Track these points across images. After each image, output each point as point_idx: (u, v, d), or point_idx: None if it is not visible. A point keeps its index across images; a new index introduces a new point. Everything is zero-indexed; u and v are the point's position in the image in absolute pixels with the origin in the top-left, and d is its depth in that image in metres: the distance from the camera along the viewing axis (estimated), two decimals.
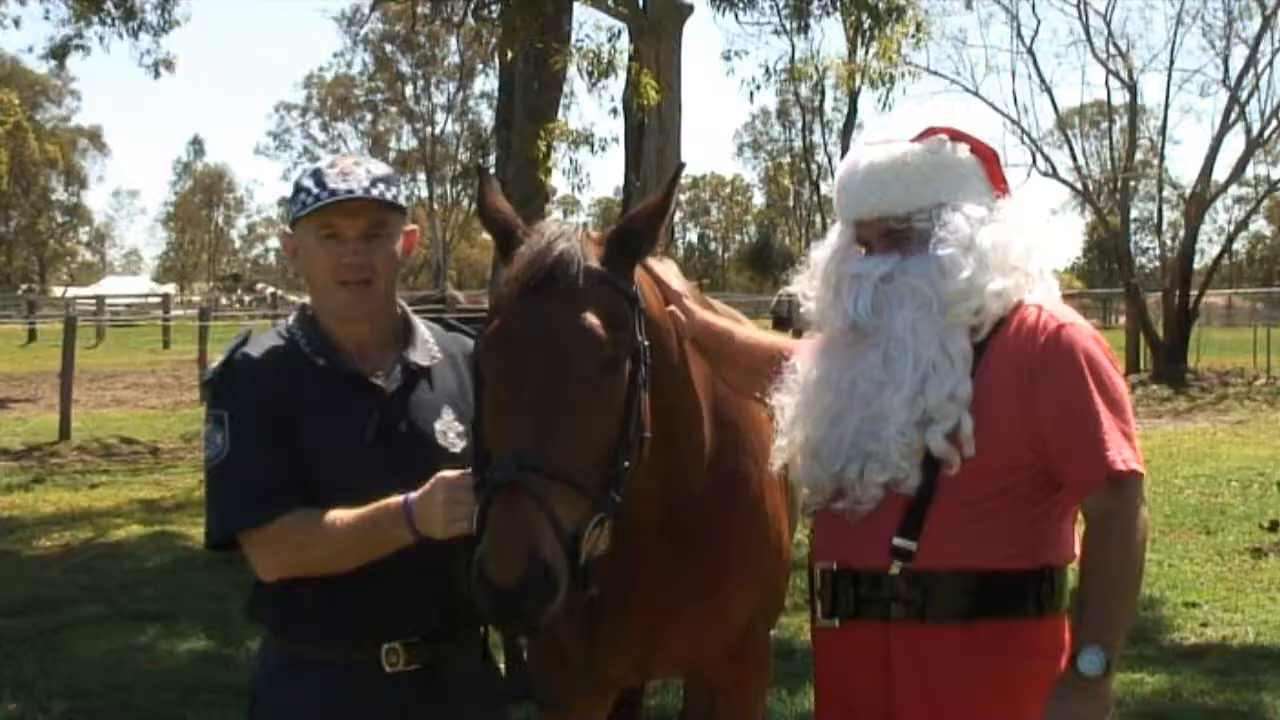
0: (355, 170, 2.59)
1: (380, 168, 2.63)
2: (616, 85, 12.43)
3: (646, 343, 2.44)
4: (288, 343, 2.63)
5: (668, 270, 2.91)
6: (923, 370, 2.48)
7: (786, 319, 24.27)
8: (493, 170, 13.14)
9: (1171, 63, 34.88)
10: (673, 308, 2.72)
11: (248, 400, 2.54)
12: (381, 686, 2.52)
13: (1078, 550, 2.59)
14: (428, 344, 2.71)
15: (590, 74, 11.72)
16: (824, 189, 67.50)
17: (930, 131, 2.65)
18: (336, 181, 2.56)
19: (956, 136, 2.65)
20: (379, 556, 2.45)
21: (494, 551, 2.15)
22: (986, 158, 2.68)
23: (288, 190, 2.83)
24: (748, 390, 2.88)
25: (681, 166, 2.53)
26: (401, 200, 2.64)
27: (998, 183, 2.68)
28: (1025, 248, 2.60)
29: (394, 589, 2.48)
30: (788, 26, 13.93)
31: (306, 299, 2.74)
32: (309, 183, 2.59)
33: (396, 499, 2.43)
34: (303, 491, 2.50)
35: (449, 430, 2.62)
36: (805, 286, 2.73)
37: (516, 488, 2.17)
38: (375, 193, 2.56)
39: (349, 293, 2.56)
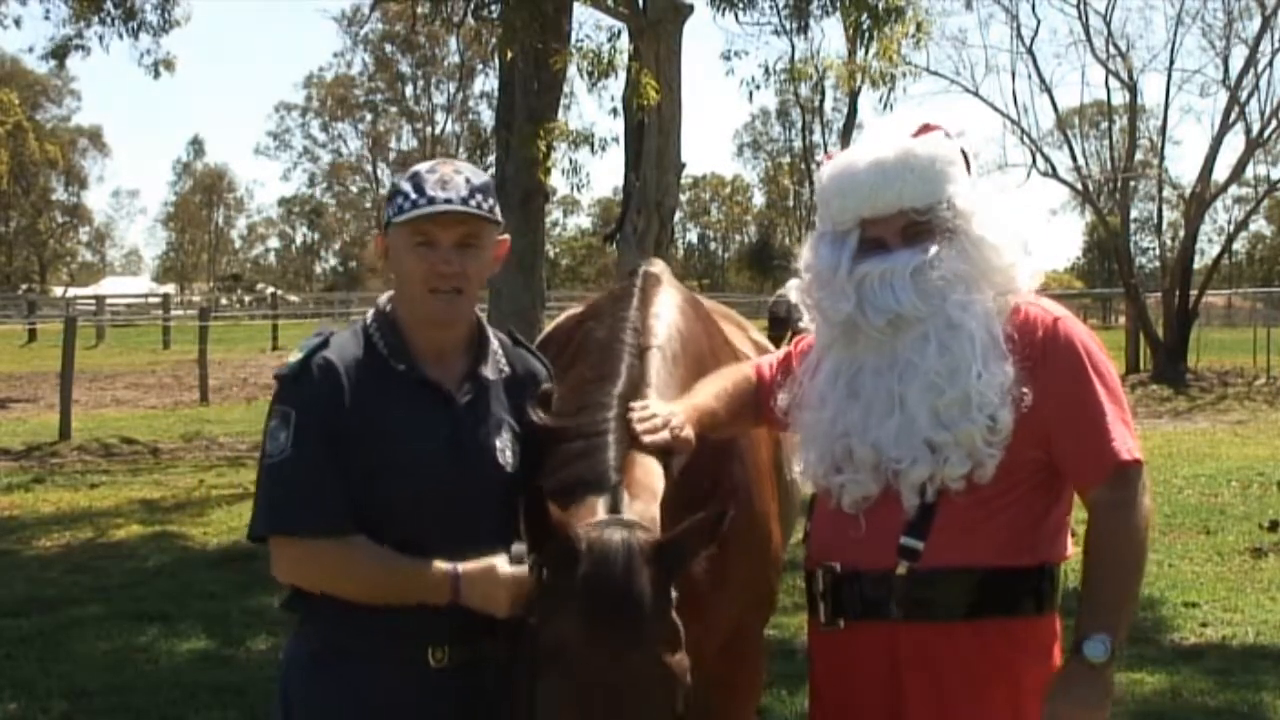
0: (454, 179, 2.55)
1: (478, 176, 2.60)
2: (616, 85, 12.42)
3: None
4: (366, 345, 2.61)
5: (670, 283, 2.92)
6: (980, 350, 2.47)
7: (785, 319, 24.34)
8: (492, 170, 13.13)
9: (1171, 63, 34.93)
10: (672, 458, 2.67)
11: (317, 405, 2.51)
12: (425, 682, 2.53)
13: (1070, 549, 2.61)
14: (497, 357, 2.70)
15: (590, 74, 11.70)
16: None
17: (927, 127, 2.68)
18: (435, 189, 2.53)
19: (949, 134, 2.68)
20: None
21: None
22: (965, 157, 2.70)
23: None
24: (741, 432, 2.91)
25: (724, 513, 2.42)
26: (498, 212, 2.61)
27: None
28: (1020, 238, 2.63)
29: None
30: (788, 26, 13.93)
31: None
32: (407, 187, 2.56)
33: (444, 567, 2.45)
34: (354, 508, 2.50)
35: (506, 449, 2.62)
36: (806, 299, 2.71)
37: None
38: (473, 204, 2.53)
39: (439, 300, 2.55)
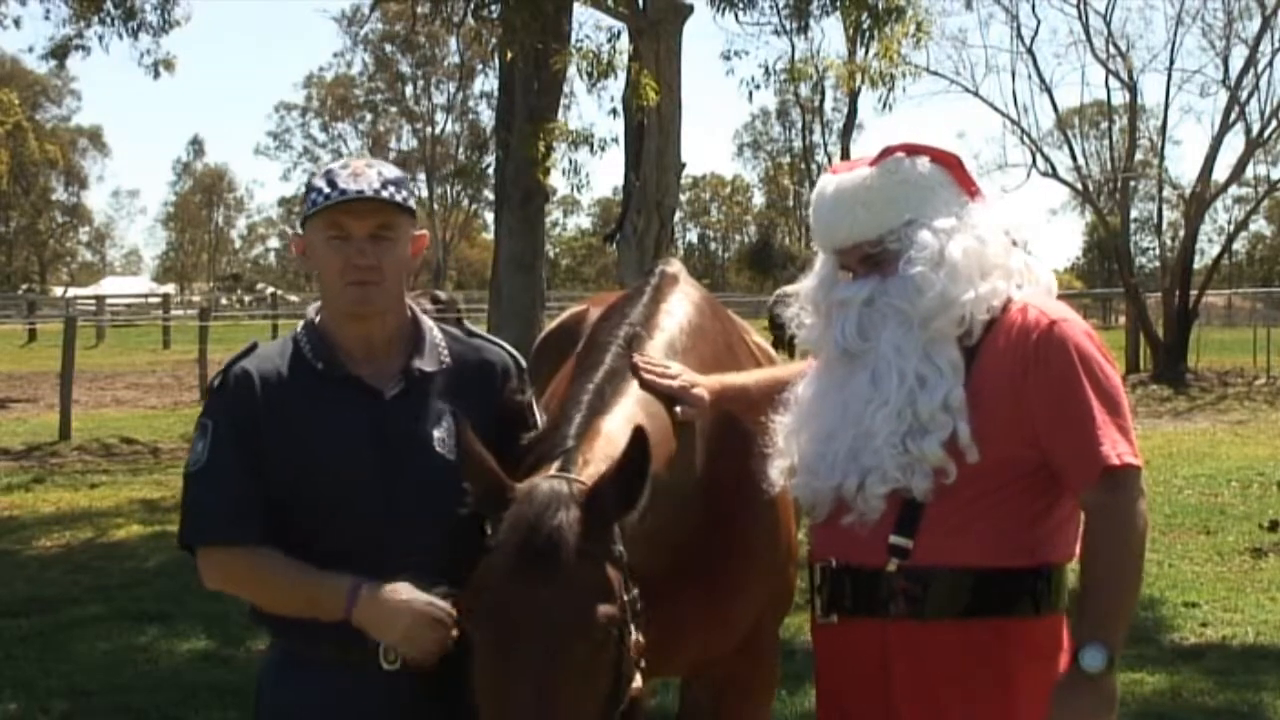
0: (366, 171, 2.59)
1: (391, 170, 2.64)
2: (616, 85, 12.42)
3: (629, 595, 2.41)
4: (290, 349, 2.65)
5: (687, 282, 2.97)
6: (909, 385, 2.51)
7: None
8: (492, 170, 13.14)
9: (1171, 63, 34.79)
10: (679, 410, 2.73)
11: (233, 414, 2.57)
12: (379, 684, 2.54)
13: (1077, 549, 2.60)
14: (438, 349, 2.70)
15: (590, 74, 11.70)
16: None
17: (887, 151, 2.68)
18: (347, 182, 2.56)
19: (913, 151, 2.68)
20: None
21: None
22: (950, 165, 2.70)
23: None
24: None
25: (641, 430, 2.40)
26: (412, 203, 2.65)
27: (967, 186, 2.70)
28: (1002, 246, 2.62)
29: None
30: (788, 26, 13.89)
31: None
32: (320, 183, 2.60)
33: (346, 582, 2.48)
34: (280, 505, 2.53)
35: (448, 438, 2.61)
36: (800, 316, 2.77)
37: None
38: (385, 194, 2.56)
39: (356, 291, 2.57)
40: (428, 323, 2.75)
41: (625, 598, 2.37)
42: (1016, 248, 2.65)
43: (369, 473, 2.54)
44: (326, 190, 2.56)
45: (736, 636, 3.01)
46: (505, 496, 2.36)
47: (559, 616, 2.26)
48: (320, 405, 2.58)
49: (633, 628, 2.39)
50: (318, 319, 2.68)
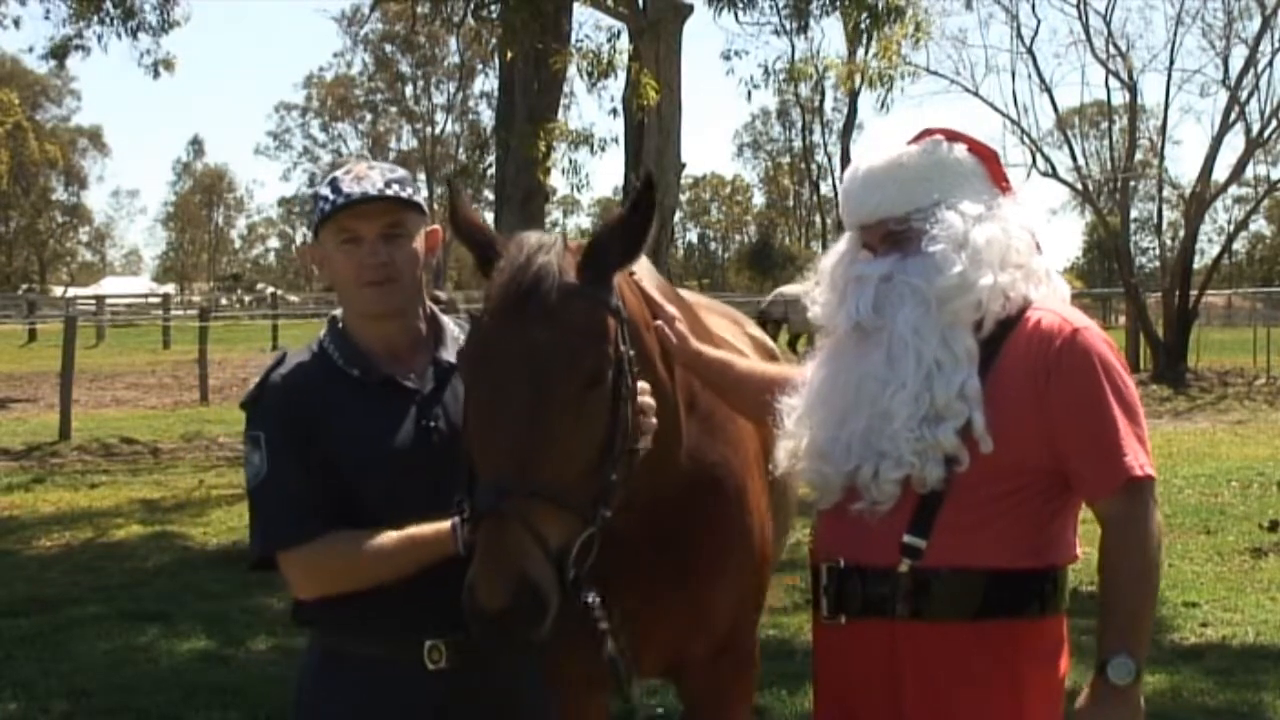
0: (369, 174, 2.61)
1: (395, 171, 2.66)
2: (616, 85, 12.45)
3: (631, 352, 2.42)
4: (320, 357, 2.66)
5: (647, 275, 2.93)
6: (926, 367, 2.48)
7: (780, 320, 24.31)
8: (492, 171, 13.15)
9: (1171, 63, 34.85)
10: (660, 323, 2.74)
11: (281, 421, 2.57)
12: (422, 684, 2.55)
13: (1078, 551, 2.60)
14: (458, 342, 2.72)
15: (590, 74, 11.73)
16: (824, 189, 67.68)
17: (927, 133, 2.67)
18: (351, 186, 2.58)
19: (953, 137, 2.67)
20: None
21: (482, 576, 2.18)
22: (986, 157, 2.69)
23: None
24: (752, 415, 2.92)
25: (650, 176, 2.49)
26: (418, 198, 2.67)
27: (999, 181, 2.69)
28: (1026, 245, 2.60)
29: (436, 586, 2.48)
30: (787, 26, 13.90)
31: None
32: (325, 190, 2.62)
33: (444, 525, 2.47)
34: (338, 509, 2.54)
35: None
36: (813, 293, 2.75)
37: (500, 514, 2.19)
38: (390, 192, 2.58)
39: (374, 292, 2.58)
40: (444, 317, 2.77)
41: (624, 349, 2.37)
42: (1040, 253, 2.64)
43: (417, 470, 2.55)
44: (332, 196, 2.58)
45: (712, 631, 2.98)
46: (497, 250, 2.41)
47: (541, 348, 2.25)
48: (362, 411, 2.59)
49: (629, 400, 2.38)
50: (340, 325, 2.70)
